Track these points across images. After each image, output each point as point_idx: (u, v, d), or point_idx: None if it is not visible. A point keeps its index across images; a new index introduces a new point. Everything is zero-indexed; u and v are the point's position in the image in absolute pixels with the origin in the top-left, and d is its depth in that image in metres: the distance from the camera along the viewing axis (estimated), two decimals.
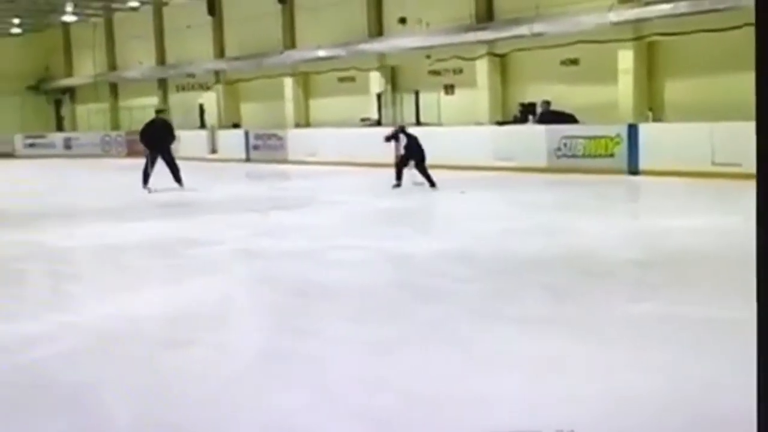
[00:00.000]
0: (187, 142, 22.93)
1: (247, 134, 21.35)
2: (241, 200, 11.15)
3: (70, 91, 32.24)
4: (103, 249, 6.82)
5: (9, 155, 27.43)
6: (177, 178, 13.42)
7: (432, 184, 11.74)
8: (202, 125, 24.67)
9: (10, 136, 29.39)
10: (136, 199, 11.65)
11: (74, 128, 31.76)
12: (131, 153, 24.49)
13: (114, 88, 30.10)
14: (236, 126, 23.76)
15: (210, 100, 24.81)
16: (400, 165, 12.13)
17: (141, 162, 12.69)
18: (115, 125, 29.68)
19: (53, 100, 32.79)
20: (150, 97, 27.18)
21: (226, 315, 4.28)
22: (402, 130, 12.43)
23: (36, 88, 32.26)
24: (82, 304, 4.62)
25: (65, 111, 32.77)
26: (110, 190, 14.13)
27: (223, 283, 5.16)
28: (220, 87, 24.49)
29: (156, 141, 13.53)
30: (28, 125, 30.43)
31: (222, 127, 23.65)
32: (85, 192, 13.77)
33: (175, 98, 27.07)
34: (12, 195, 12.85)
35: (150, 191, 12.69)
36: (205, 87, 25.07)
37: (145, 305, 4.45)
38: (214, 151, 22.46)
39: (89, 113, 30.70)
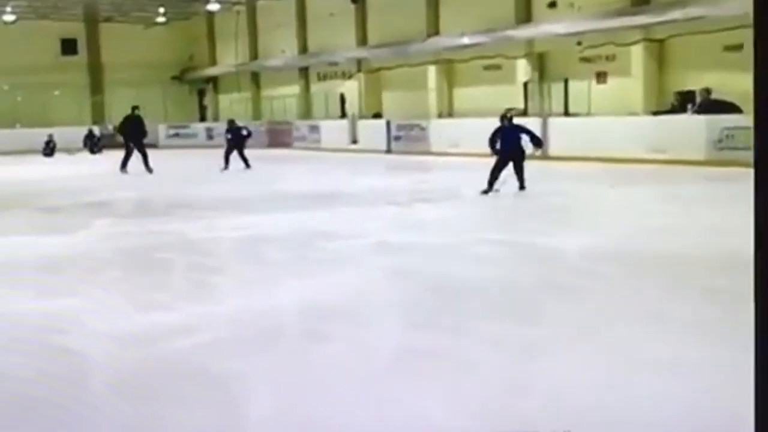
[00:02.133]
0: (328, 132, 23.44)
1: (388, 124, 21.35)
2: (381, 192, 11.12)
3: (213, 80, 32.84)
4: (242, 241, 6.81)
5: (152, 145, 29.08)
6: (147, 166, 15.67)
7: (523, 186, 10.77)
8: (343, 115, 24.62)
9: (154, 126, 31.08)
10: (276, 191, 11.69)
11: (216, 118, 32.10)
12: (273, 143, 24.74)
13: (255, 78, 30.60)
14: (377, 116, 23.81)
15: (351, 89, 24.92)
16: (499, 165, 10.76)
17: (281, 153, 13.16)
18: (257, 115, 30.07)
19: (196, 90, 33.43)
20: (291, 86, 27.48)
21: (364, 310, 4.25)
22: (504, 118, 11.34)
23: (179, 78, 32.83)
24: (222, 295, 4.59)
25: (208, 101, 33.35)
26: (250, 181, 14.00)
27: (361, 277, 5.13)
28: (361, 75, 24.52)
29: (131, 133, 16.13)
30: (171, 115, 30.54)
31: (363, 116, 23.68)
32: (226, 183, 13.75)
33: (316, 87, 27.23)
34: (155, 185, 13.01)
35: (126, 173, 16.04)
36: (346, 75, 25.14)
37: (284, 298, 4.43)
38: (354, 141, 22.49)
39: (231, 103, 30.97)
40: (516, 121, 10.86)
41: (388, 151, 20.87)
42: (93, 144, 25.27)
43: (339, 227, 7.52)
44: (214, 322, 3.95)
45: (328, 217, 8.41)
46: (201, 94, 33.58)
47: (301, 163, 11.61)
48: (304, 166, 11.80)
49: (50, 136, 23.09)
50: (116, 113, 32.36)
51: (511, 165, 10.29)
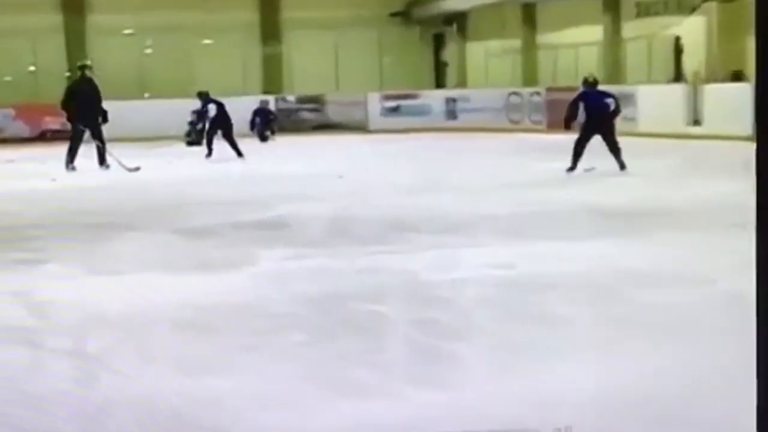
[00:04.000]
0: (650, 104, 18.88)
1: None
2: (728, 208, 8.48)
3: (458, 19, 26.25)
4: (505, 285, 5.81)
5: (360, 128, 23.09)
6: (102, 162, 13.73)
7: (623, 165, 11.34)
8: (677, 76, 19.98)
9: (361, 96, 24.06)
10: (559, 203, 9.74)
11: (463, 82, 26.33)
12: (553, 125, 18.85)
13: (529, 14, 24.43)
14: (738, 77, 18.05)
15: (693, 30, 19.81)
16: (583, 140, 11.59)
17: (568, 139, 11.44)
18: (530, 77, 24.36)
19: (430, 36, 27.32)
20: (588, 28, 22.38)
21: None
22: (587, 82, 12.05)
23: (404, 14, 26.46)
24: (468, 378, 4.03)
25: (449, 53, 27.19)
26: (518, 187, 11.18)
27: (709, 359, 4.05)
28: (713, 6, 19.17)
29: (83, 111, 13.68)
30: (389, 78, 25.37)
31: (713, 79, 18.50)
32: (476, 192, 11.07)
33: (632, 27, 21.90)
34: (357, 193, 11.04)
35: (74, 169, 13.58)
36: (687, 9, 20.04)
37: (574, 387, 3.76)
38: (696, 121, 18.08)
39: (487, 56, 25.61)
40: None
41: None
42: (264, 125, 21.06)
43: (659, 267, 6.25)
44: (454, 419, 3.50)
45: (641, 248, 7.01)
46: (438, 42, 27.37)
47: (603, 155, 10.27)
48: (607, 161, 10.34)
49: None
50: (299, 76, 24.61)
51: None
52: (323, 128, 23.53)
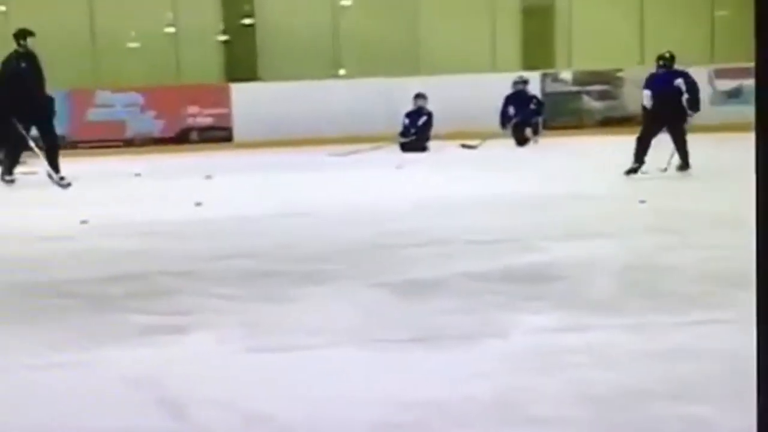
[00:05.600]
0: None
1: None
2: None
3: None
4: None
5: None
6: (52, 174, 13.27)
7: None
8: None
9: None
10: None
11: None
12: None
13: None
14: None
15: None
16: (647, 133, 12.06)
17: None
18: None
19: None
20: None
21: None
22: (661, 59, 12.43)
23: None
24: None
25: None
26: None
27: None
28: None
29: (19, 97, 13.14)
30: (723, 46, 21.41)
31: None
32: None
33: None
34: (682, 229, 9.46)
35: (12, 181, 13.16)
36: None
37: None
38: None
39: None
40: None
41: None
42: (523, 118, 18.77)
43: None
44: None
45: None
46: None
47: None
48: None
49: (420, 100, 17.56)
50: (580, 41, 21.41)
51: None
52: (617, 123, 20.21)
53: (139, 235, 8.95)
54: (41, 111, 13.51)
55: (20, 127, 13.29)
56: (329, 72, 19.41)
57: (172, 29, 20.05)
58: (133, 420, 3.58)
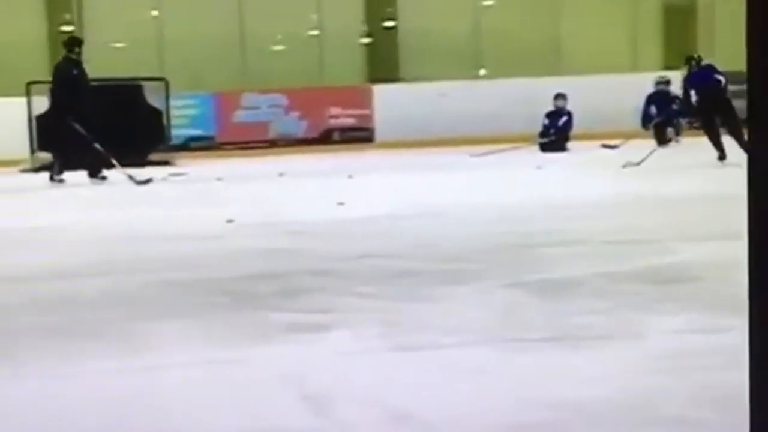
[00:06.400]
0: None
1: None
2: None
3: None
4: None
5: None
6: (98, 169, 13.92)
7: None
8: None
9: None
10: None
11: None
12: None
13: None
14: None
15: None
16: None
17: None
18: None
19: None
20: None
21: None
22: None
23: None
24: None
25: None
26: None
27: None
28: None
29: (73, 101, 14.17)
30: None
31: None
32: None
33: None
34: None
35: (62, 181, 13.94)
36: None
37: None
38: None
39: None
40: None
41: None
42: (668, 117, 18.21)
43: None
44: None
45: None
46: None
47: None
48: None
49: (560, 100, 17.43)
50: (725, 35, 19.72)
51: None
52: None
53: (282, 234, 9.00)
54: (88, 116, 14.11)
55: (79, 128, 14.29)
56: (470, 73, 19.36)
57: (316, 32, 20.04)
58: (278, 416, 3.81)
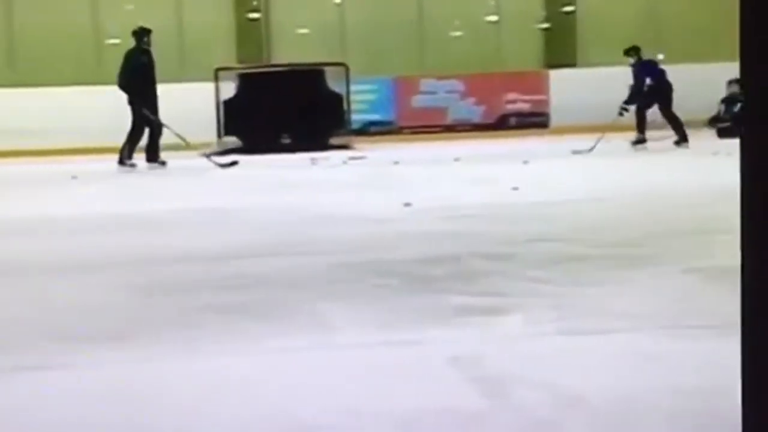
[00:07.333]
0: None
1: None
2: None
3: None
4: None
5: None
6: (153, 158, 15.05)
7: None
8: None
9: None
10: None
11: None
12: None
13: None
14: None
15: None
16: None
17: None
18: None
19: None
20: None
21: None
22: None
23: None
24: None
25: None
26: None
27: None
28: None
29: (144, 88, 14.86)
30: None
31: None
32: None
33: None
34: None
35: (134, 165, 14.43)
36: None
37: None
38: None
39: None
40: None
41: None
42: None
43: None
44: None
45: None
46: None
47: None
48: None
49: (734, 86, 16.30)
50: None
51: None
52: None
53: (457, 218, 9.02)
54: (156, 102, 15.01)
55: (150, 115, 14.93)
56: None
57: (494, 17, 19.93)
58: (451, 397, 3.83)
